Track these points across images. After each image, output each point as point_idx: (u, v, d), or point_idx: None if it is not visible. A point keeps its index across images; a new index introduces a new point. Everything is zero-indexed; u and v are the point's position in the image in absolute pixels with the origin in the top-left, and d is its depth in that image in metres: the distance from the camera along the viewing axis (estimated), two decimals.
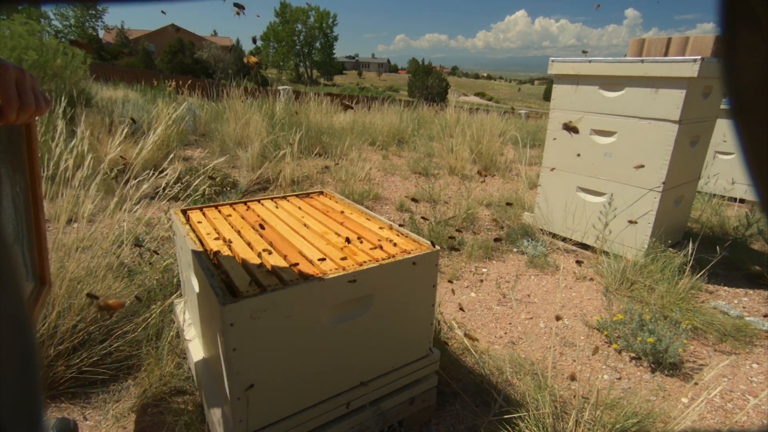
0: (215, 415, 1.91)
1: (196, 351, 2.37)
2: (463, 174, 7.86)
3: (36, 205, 1.49)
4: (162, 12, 2.78)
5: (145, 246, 3.45)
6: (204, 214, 2.54)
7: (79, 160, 3.21)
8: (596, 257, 4.47)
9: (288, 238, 2.20)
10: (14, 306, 0.48)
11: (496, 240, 4.84)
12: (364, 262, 1.94)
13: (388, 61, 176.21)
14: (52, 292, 2.53)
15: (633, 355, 3.11)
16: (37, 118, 1.27)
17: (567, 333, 3.39)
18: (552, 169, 4.76)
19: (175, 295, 3.01)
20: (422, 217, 4.36)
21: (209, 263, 1.87)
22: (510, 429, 2.21)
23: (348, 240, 2.20)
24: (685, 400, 2.71)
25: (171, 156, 6.26)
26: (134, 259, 3.45)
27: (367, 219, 2.55)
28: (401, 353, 2.21)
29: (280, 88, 12.42)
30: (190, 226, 2.34)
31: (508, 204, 5.94)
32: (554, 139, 4.75)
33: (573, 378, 2.61)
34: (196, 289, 2.07)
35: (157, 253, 3.37)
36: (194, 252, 1.98)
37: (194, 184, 4.56)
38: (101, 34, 70.94)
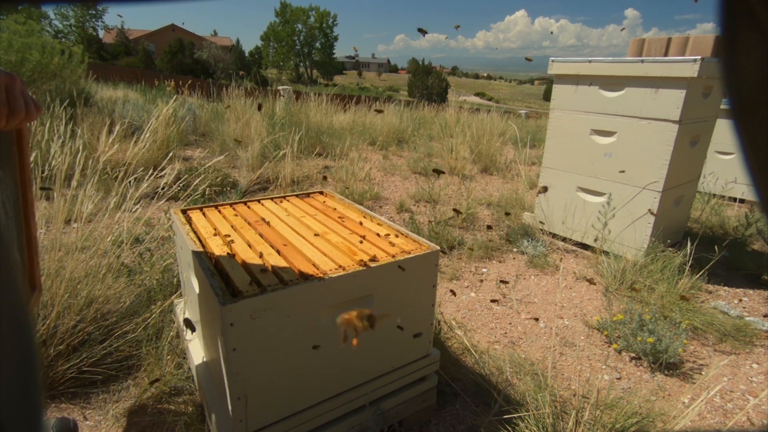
0: (215, 415, 1.91)
1: (196, 351, 2.37)
2: (463, 174, 7.87)
3: (27, 210, 1.49)
4: None
5: (145, 246, 3.45)
6: (204, 214, 2.54)
7: (80, 160, 3.21)
8: (596, 257, 4.48)
9: (288, 238, 2.20)
10: (13, 306, 0.48)
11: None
12: (364, 261, 1.94)
13: (388, 61, 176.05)
14: (48, 294, 2.53)
15: (633, 355, 3.11)
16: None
17: (567, 333, 3.39)
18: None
19: (175, 295, 3.01)
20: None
21: (209, 263, 1.87)
22: (510, 429, 2.21)
23: (346, 237, 2.20)
24: (684, 399, 2.71)
25: (170, 155, 6.25)
26: (134, 259, 3.45)
27: (366, 219, 2.55)
28: (401, 353, 2.21)
29: (280, 88, 12.42)
30: (190, 226, 2.34)
31: (507, 214, 5.93)
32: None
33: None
34: (196, 289, 2.07)
35: (150, 251, 3.37)
36: (194, 252, 1.98)
37: (194, 183, 4.56)
38: (101, 34, 71.01)
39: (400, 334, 2.14)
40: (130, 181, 3.43)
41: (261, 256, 1.97)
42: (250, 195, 5.98)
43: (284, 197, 2.92)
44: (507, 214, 5.54)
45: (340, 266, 1.89)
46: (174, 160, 6.26)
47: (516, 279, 4.18)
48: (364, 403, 2.12)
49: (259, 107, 5.83)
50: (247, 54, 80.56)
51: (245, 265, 1.88)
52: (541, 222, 4.85)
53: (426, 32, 2.99)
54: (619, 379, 2.90)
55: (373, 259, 1.98)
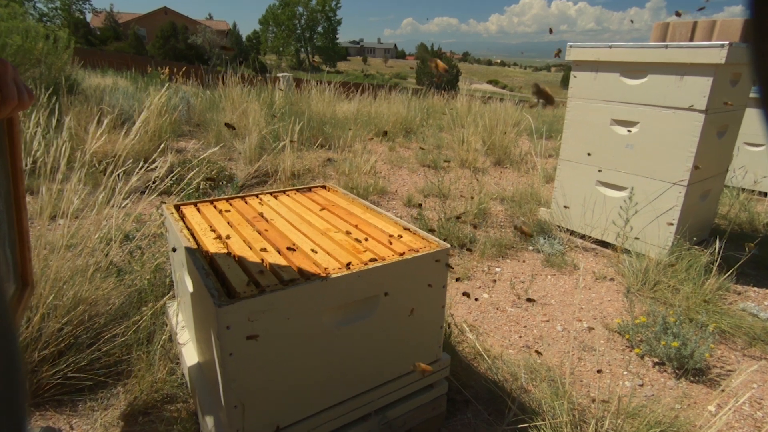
0: (210, 423, 1.91)
1: (190, 356, 2.37)
2: (475, 167, 7.86)
3: (18, 203, 1.49)
4: None
5: (135, 243, 3.46)
6: (198, 209, 2.54)
7: (66, 152, 3.21)
8: (617, 255, 4.46)
9: (288, 235, 2.20)
10: None
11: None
12: (370, 260, 1.94)
13: (395, 46, 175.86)
14: (35, 293, 2.53)
15: (656, 360, 3.11)
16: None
17: (586, 337, 3.38)
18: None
19: (167, 296, 3.01)
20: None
21: (204, 262, 1.87)
22: None
23: (350, 234, 2.20)
24: (711, 408, 2.71)
25: (162, 147, 6.26)
26: (124, 257, 3.45)
27: (372, 215, 2.55)
28: (409, 358, 2.20)
29: (279, 75, 12.41)
30: (184, 222, 2.34)
31: (519, 230, 5.92)
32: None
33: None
34: (190, 289, 2.07)
35: (141, 249, 3.37)
36: (188, 250, 1.98)
37: (188, 177, 4.56)
38: (89, 17, 71.12)
39: (407, 337, 2.14)
40: (119, 175, 3.43)
41: (259, 254, 1.97)
42: (248, 189, 5.98)
43: (284, 191, 2.92)
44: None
45: (344, 265, 1.89)
46: (166, 152, 6.26)
47: (532, 279, 4.17)
48: (369, 411, 2.12)
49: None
50: (244, 39, 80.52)
51: (242, 264, 1.87)
52: (558, 225, 4.83)
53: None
54: (641, 385, 2.90)
55: (379, 257, 1.98)
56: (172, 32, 57.54)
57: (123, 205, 3.33)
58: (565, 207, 4.59)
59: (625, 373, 3.01)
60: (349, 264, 1.90)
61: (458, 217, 3.46)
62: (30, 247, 1.58)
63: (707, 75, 3.76)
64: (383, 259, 1.96)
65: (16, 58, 7.39)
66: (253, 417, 1.74)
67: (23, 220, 1.52)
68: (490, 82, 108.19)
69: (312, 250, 2.03)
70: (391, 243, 2.14)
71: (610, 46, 4.30)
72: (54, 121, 4.15)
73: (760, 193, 6.62)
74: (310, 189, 3.02)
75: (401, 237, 2.23)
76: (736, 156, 6.54)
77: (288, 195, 2.87)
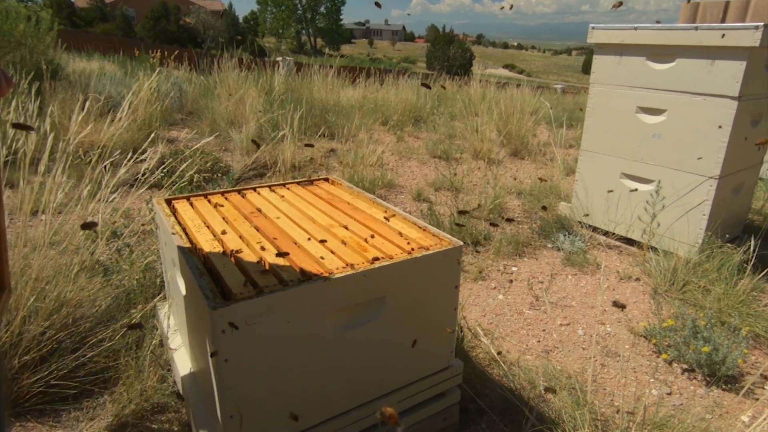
0: None
1: (183, 362, 2.37)
2: (490, 158, 7.84)
3: None
4: None
5: (123, 241, 3.46)
6: (191, 204, 2.54)
7: (48, 142, 3.21)
8: (643, 254, 4.44)
9: (288, 231, 2.19)
10: None
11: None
12: (376, 259, 1.93)
13: (404, 28, 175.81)
14: (13, 296, 2.52)
15: (685, 366, 3.09)
16: None
17: (609, 341, 3.37)
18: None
19: (158, 297, 3.01)
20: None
21: (197, 261, 1.87)
22: None
23: (355, 231, 2.19)
24: (745, 418, 2.70)
25: (152, 136, 6.25)
26: (111, 256, 3.45)
27: (379, 210, 2.54)
28: (418, 364, 2.20)
29: (279, 59, 12.42)
30: (176, 217, 2.34)
31: (543, 208, 5.90)
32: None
33: None
34: (183, 290, 2.07)
35: (129, 247, 3.37)
36: (180, 248, 1.97)
37: (180, 169, 4.56)
38: None
39: (417, 342, 2.13)
40: (106, 166, 3.43)
41: (257, 252, 1.96)
42: (245, 182, 5.99)
43: (284, 185, 2.92)
44: (544, 208, 5.49)
45: (348, 264, 1.88)
46: (157, 142, 6.26)
47: (551, 279, 4.16)
48: (376, 422, 2.11)
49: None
50: (241, 20, 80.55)
51: (239, 264, 1.87)
52: (586, 214, 4.81)
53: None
54: (669, 394, 2.89)
55: (386, 256, 1.97)
56: (163, 13, 57.66)
57: (110, 199, 3.33)
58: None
59: (652, 380, 3.00)
60: (353, 263, 1.89)
61: (465, 212, 3.42)
62: (7, 247, 1.57)
63: (740, 59, 3.74)
64: (390, 258, 1.95)
65: None
66: (251, 428, 1.74)
67: (0, 219, 1.51)
68: (506, 66, 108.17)
69: (314, 248, 2.02)
70: (399, 240, 2.13)
71: (636, 28, 4.27)
72: (35, 109, 4.15)
73: None
74: (311, 182, 3.02)
75: (410, 234, 2.22)
76: None
77: (288, 188, 2.87)
